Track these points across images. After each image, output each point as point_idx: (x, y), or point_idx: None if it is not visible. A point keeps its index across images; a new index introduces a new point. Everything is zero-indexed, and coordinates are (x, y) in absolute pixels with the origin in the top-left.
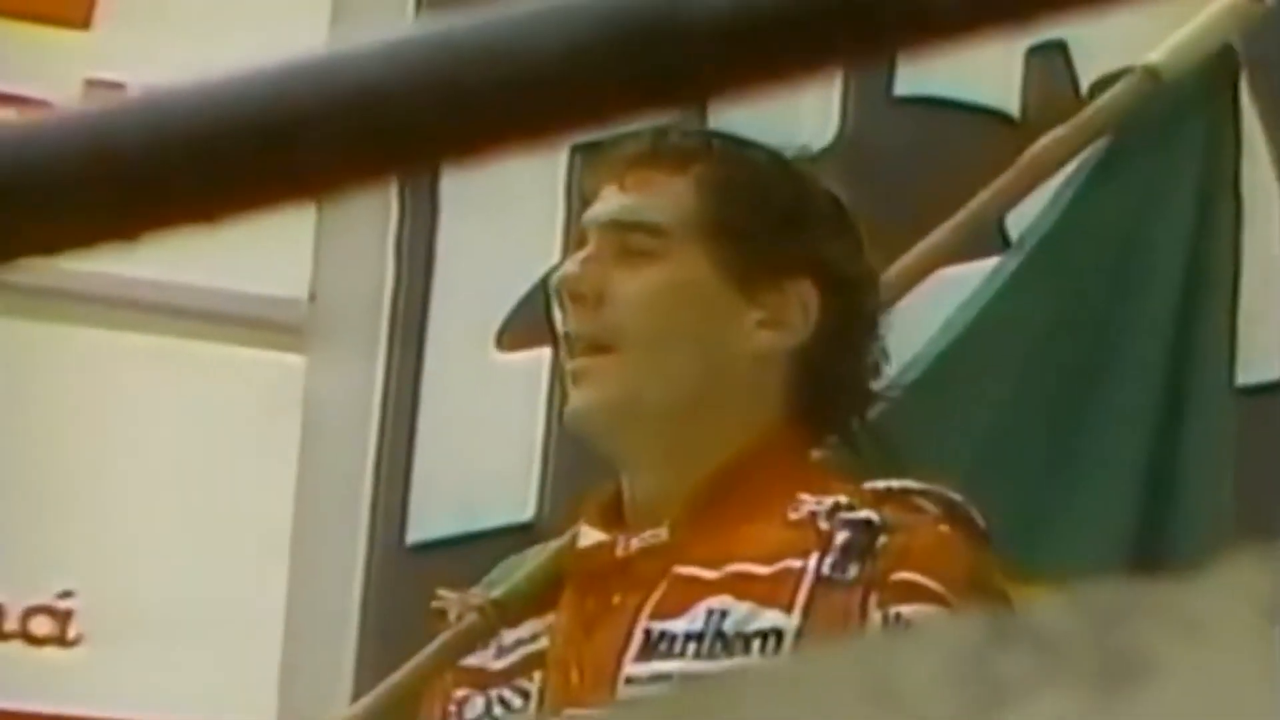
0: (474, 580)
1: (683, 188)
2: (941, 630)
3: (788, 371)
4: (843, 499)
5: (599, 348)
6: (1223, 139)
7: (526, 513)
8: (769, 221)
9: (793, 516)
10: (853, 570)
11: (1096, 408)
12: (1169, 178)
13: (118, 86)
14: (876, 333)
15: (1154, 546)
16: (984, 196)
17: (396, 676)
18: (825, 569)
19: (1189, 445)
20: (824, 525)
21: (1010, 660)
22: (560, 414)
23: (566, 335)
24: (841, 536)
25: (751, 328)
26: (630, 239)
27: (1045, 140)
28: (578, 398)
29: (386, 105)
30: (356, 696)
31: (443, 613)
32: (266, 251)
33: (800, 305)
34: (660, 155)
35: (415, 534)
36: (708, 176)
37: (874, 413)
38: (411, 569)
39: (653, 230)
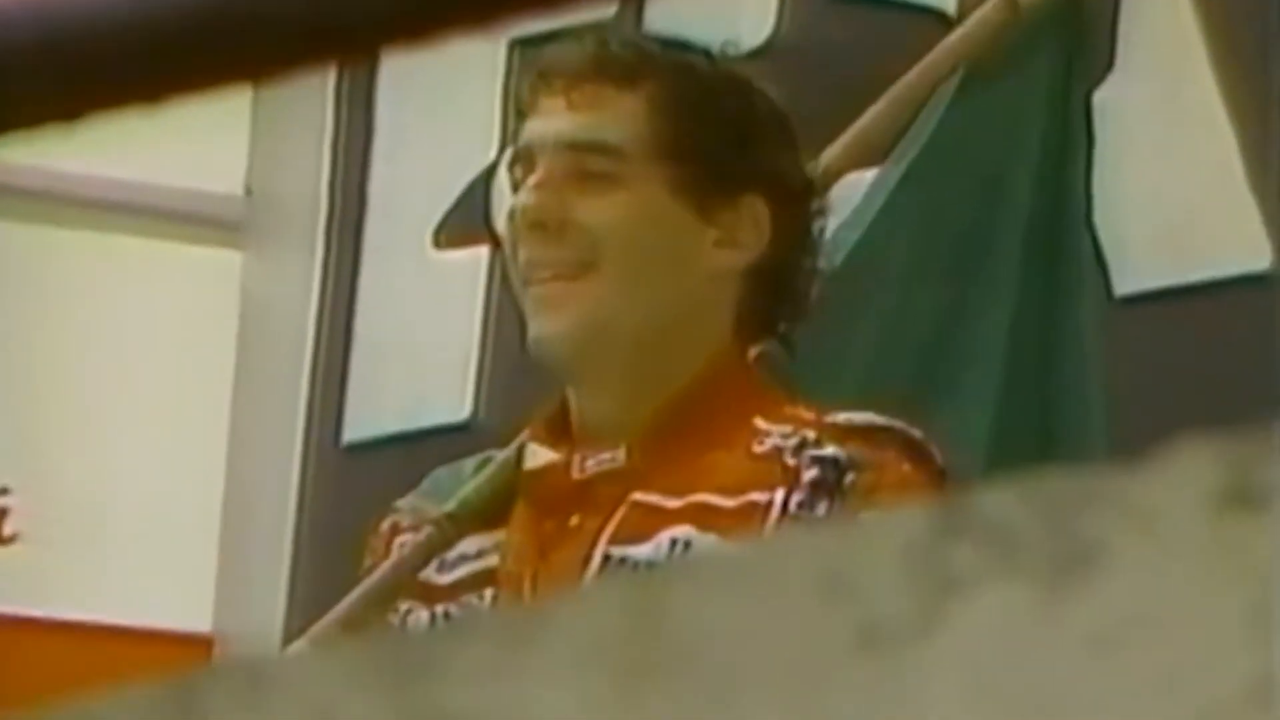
0: (409, 481)
1: (635, 106)
2: (893, 521)
3: (739, 289)
4: (810, 434)
5: (565, 275)
6: (1073, 65)
7: (463, 413)
8: (721, 138)
9: (757, 449)
10: (820, 508)
11: (966, 320)
12: (1022, 101)
13: None
14: (818, 241)
15: (1025, 442)
16: (875, 109)
17: (356, 592)
18: (792, 505)
19: (1055, 350)
20: (790, 461)
21: (961, 551)
22: (492, 312)
23: (527, 263)
24: (810, 474)
25: (709, 248)
26: (585, 161)
27: (917, 67)
28: (545, 325)
29: None
30: (292, 595)
31: (375, 524)
32: (202, 146)
33: (753, 221)
34: (606, 68)
35: (351, 433)
36: (659, 94)
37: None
38: (347, 468)
39: (609, 152)
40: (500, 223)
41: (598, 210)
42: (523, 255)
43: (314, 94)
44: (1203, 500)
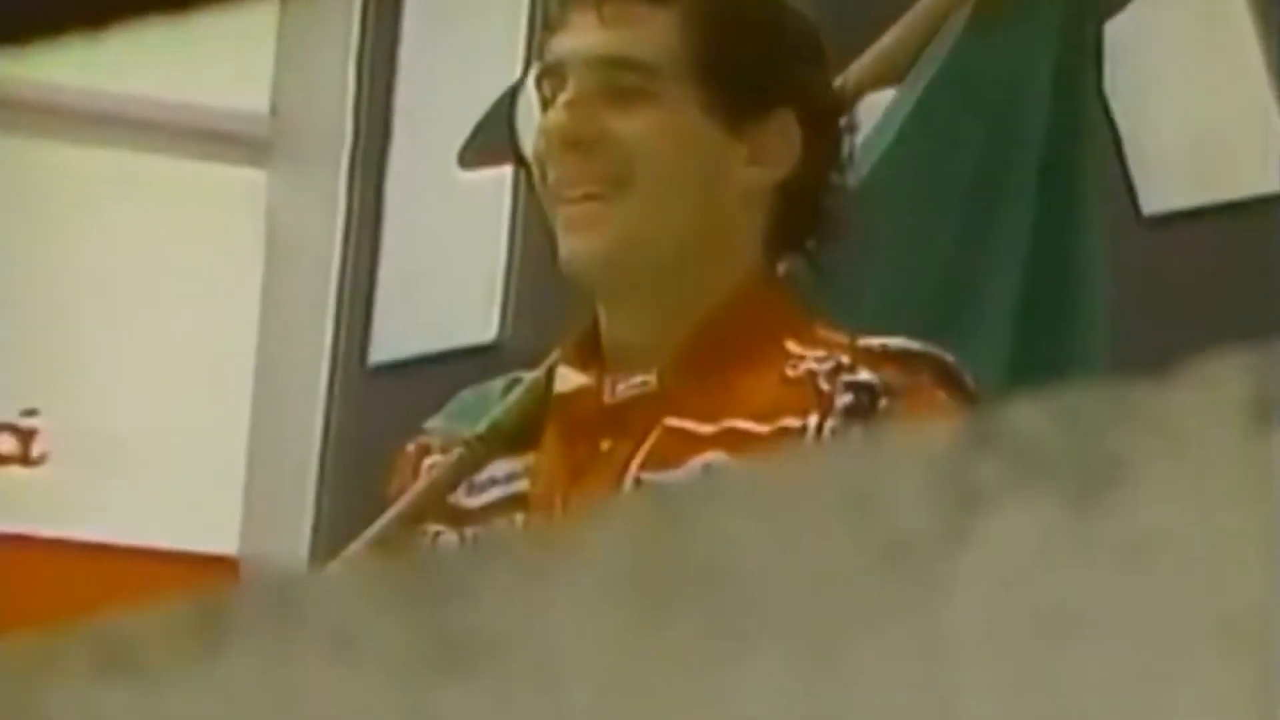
0: (436, 401)
1: (667, 23)
2: (917, 437)
3: (769, 206)
4: (844, 359)
5: (598, 193)
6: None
7: (489, 333)
8: (752, 54)
9: (790, 374)
10: (854, 434)
11: (981, 244)
12: (1033, 29)
13: None
14: (847, 158)
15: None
16: (891, 33)
17: (388, 515)
18: (826, 431)
19: (1071, 274)
20: (825, 386)
21: (986, 466)
22: (518, 232)
23: (559, 181)
24: (844, 399)
25: (740, 165)
26: (618, 78)
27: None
28: (577, 244)
29: None
30: (318, 517)
31: (401, 442)
32: (227, 64)
33: (784, 138)
34: None
35: (378, 354)
36: (691, 11)
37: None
38: (374, 389)
39: (642, 69)
40: (528, 141)
41: (630, 127)
42: (553, 173)
43: (340, 12)
44: (1229, 414)
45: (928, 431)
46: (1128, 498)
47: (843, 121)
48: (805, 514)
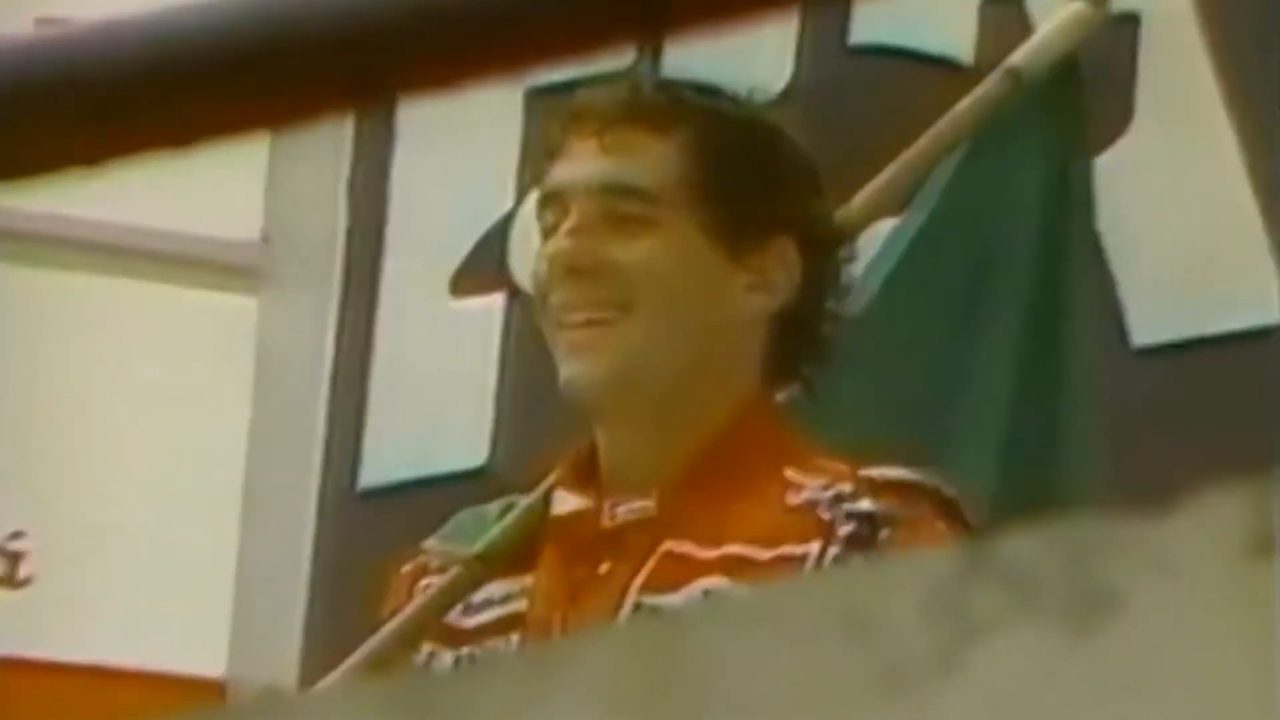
0: (425, 526)
1: (667, 151)
2: (915, 564)
3: (768, 333)
4: (846, 487)
5: (600, 319)
6: (1072, 134)
7: (479, 458)
8: (753, 183)
9: (791, 501)
10: (855, 562)
11: (971, 375)
12: (1024, 168)
13: (65, 24)
14: (844, 285)
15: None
16: (886, 173)
17: (383, 633)
18: (828, 560)
19: (1058, 405)
20: (826, 514)
21: (983, 594)
22: (509, 359)
23: (561, 306)
24: (845, 529)
25: (740, 292)
26: (620, 205)
27: (924, 136)
28: (578, 368)
29: (359, 31)
30: (307, 641)
31: (397, 563)
32: (219, 193)
33: (783, 265)
34: (638, 113)
35: (368, 479)
36: (691, 139)
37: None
38: (363, 514)
39: (643, 196)
40: (520, 268)
41: (632, 254)
42: (555, 299)
43: (331, 141)
44: (1223, 547)
45: (924, 559)
46: (1123, 629)
47: (841, 251)
48: (802, 638)
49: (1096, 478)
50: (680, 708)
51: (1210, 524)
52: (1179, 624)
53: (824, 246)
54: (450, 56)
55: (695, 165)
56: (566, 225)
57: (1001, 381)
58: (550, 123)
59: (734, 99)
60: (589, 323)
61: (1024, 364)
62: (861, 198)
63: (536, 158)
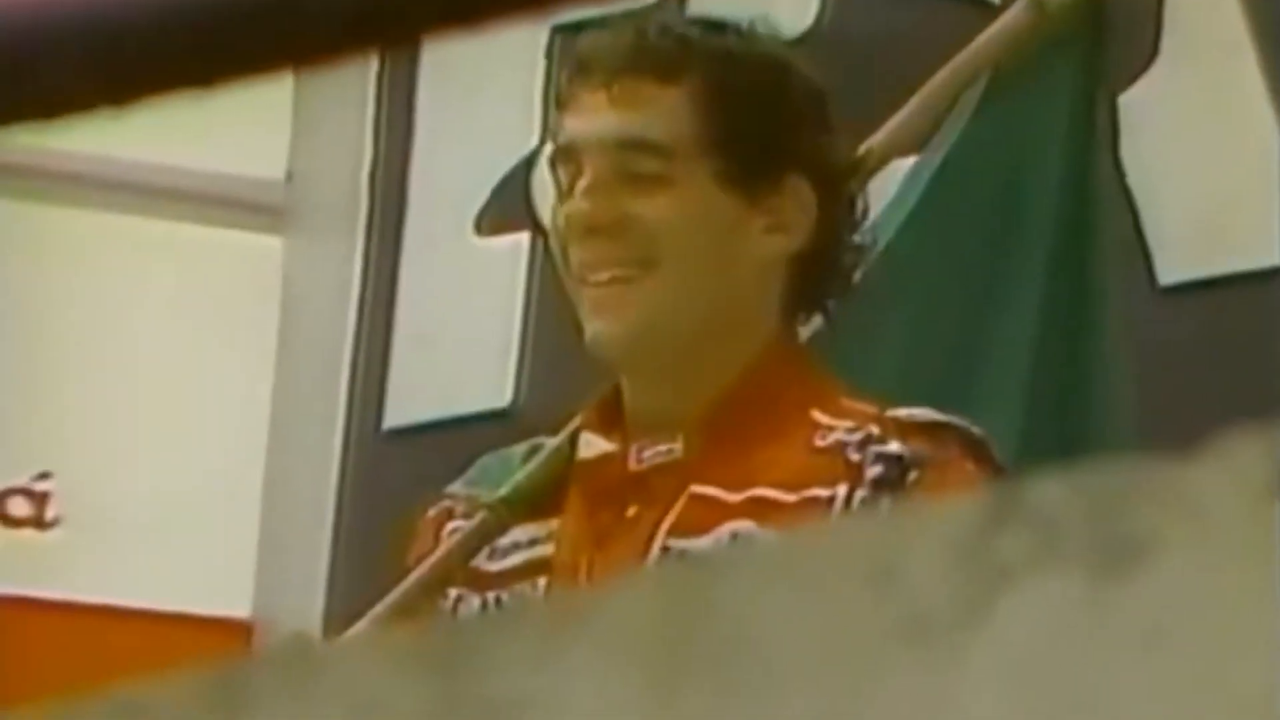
0: (449, 467)
1: (677, 100)
2: (940, 511)
3: (787, 272)
4: (874, 429)
5: (623, 276)
6: (1096, 68)
7: (503, 399)
8: (764, 124)
9: (819, 444)
10: (884, 505)
11: (994, 315)
12: (1046, 103)
13: None
14: (860, 218)
15: (1052, 436)
16: (906, 109)
17: (411, 578)
18: (855, 502)
19: (1083, 345)
20: (854, 456)
21: (1009, 542)
22: (533, 298)
23: (583, 264)
24: (874, 471)
25: (759, 235)
26: (634, 161)
27: (945, 68)
28: (605, 326)
29: None
30: (331, 581)
31: (422, 507)
32: (243, 132)
33: (799, 204)
34: (645, 61)
35: (392, 419)
36: (700, 86)
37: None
38: (388, 454)
39: (657, 150)
40: (544, 208)
41: (651, 209)
42: (576, 257)
43: (356, 80)
44: (1249, 492)
45: (950, 507)
46: (1148, 575)
47: (856, 182)
48: (826, 586)
49: (1123, 418)
50: (704, 657)
51: (1236, 468)
52: (1205, 569)
53: (838, 180)
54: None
55: (706, 114)
56: (582, 184)
57: (1026, 321)
58: (559, 73)
59: (741, 34)
60: (613, 280)
61: (1049, 303)
62: (882, 134)
63: (552, 108)
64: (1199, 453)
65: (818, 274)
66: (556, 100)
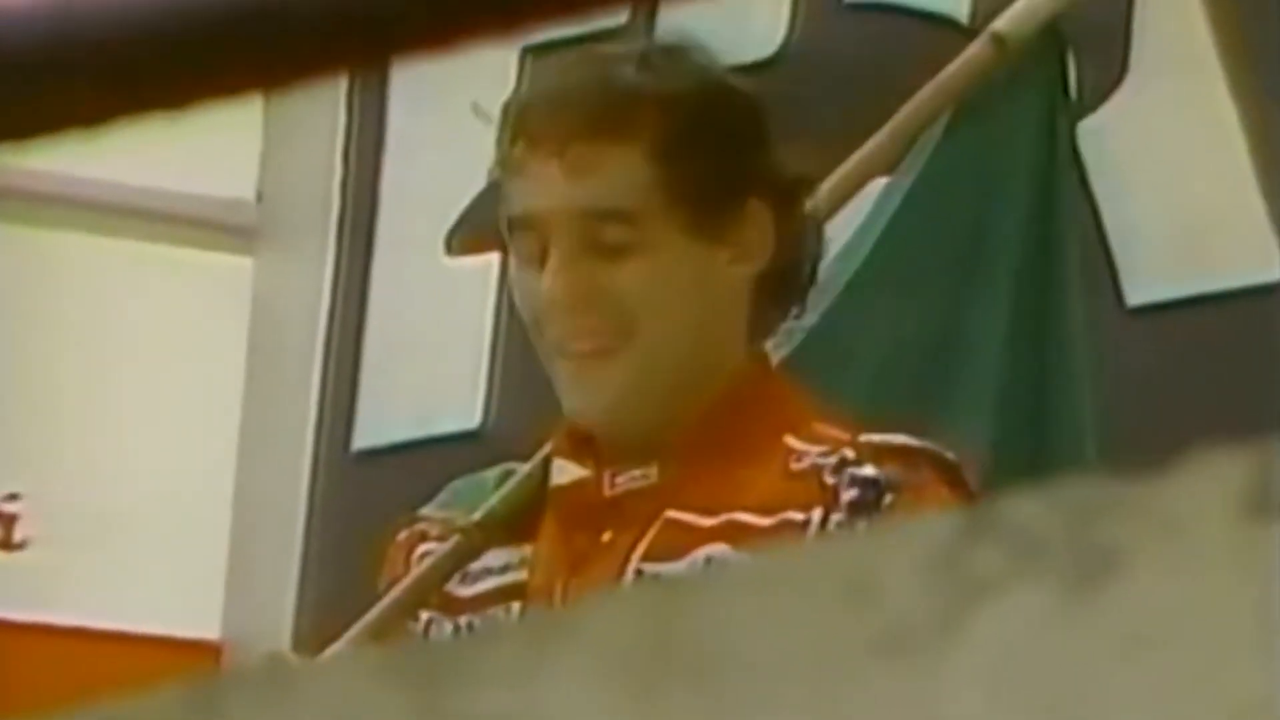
0: (419, 488)
1: (632, 161)
2: (915, 527)
3: (751, 293)
4: (848, 454)
5: (602, 348)
6: (1057, 98)
7: (473, 420)
8: (721, 162)
9: (794, 467)
10: (859, 529)
11: (962, 336)
12: (1010, 133)
13: None
14: (816, 229)
15: (1020, 454)
16: (872, 142)
17: (385, 602)
18: (831, 526)
19: (1049, 366)
20: (829, 480)
21: (984, 556)
22: (504, 318)
23: (560, 338)
24: (849, 494)
25: (725, 268)
26: (600, 230)
27: (909, 103)
28: (588, 399)
29: None
30: (301, 602)
31: (392, 531)
32: (214, 152)
33: (759, 228)
34: (594, 125)
35: (361, 440)
36: (654, 141)
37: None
38: (357, 475)
39: (622, 216)
40: (516, 297)
41: (625, 280)
42: (552, 331)
43: (326, 100)
44: (1224, 507)
45: (924, 522)
46: (1123, 588)
47: (808, 193)
48: (803, 602)
49: (1090, 438)
50: (681, 673)
51: (1211, 484)
52: (1180, 584)
53: (792, 194)
54: (444, 20)
55: (664, 167)
56: (552, 262)
57: (994, 342)
58: (502, 135)
59: (679, 64)
60: (592, 353)
61: (1016, 325)
62: (857, 156)
63: (499, 169)
64: (1173, 467)
65: (780, 290)
66: (502, 164)
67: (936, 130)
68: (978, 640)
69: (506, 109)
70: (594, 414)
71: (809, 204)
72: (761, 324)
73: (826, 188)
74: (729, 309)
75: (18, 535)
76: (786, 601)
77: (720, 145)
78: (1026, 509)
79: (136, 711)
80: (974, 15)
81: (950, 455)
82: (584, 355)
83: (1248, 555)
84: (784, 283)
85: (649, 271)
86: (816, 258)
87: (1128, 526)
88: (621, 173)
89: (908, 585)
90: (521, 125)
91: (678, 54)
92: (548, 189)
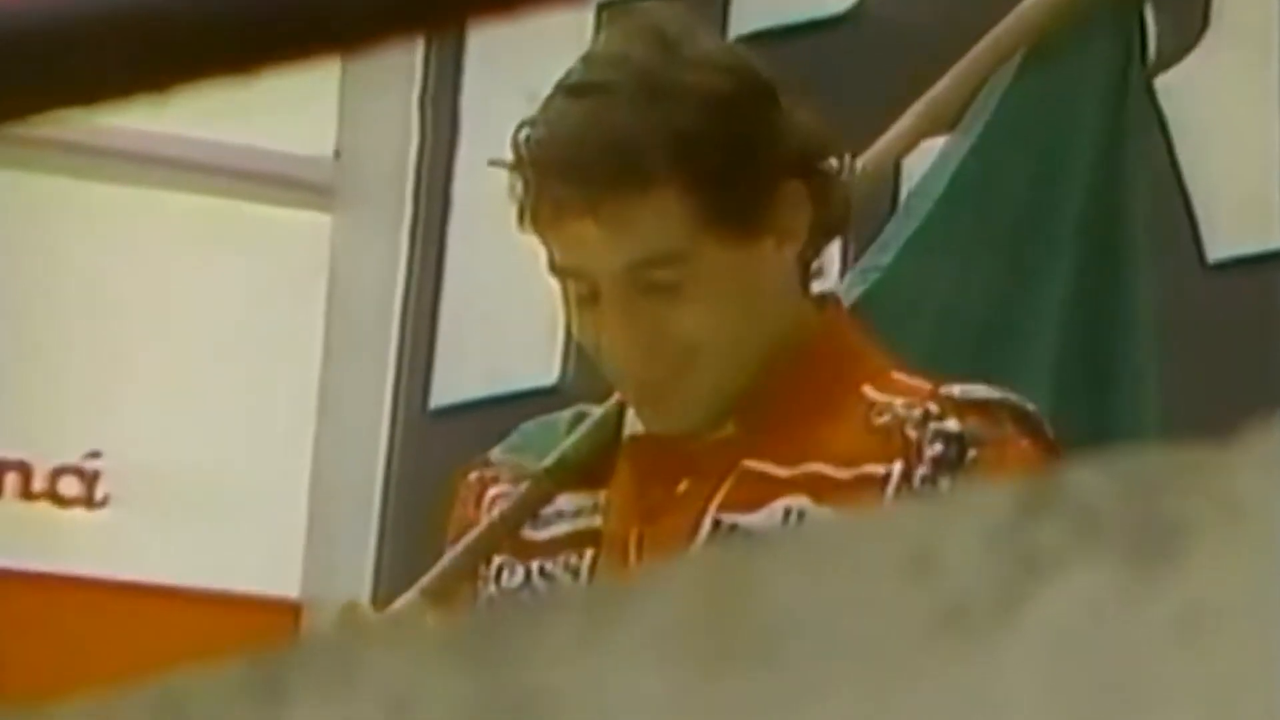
0: (497, 445)
1: (666, 204)
2: (978, 499)
3: (798, 257)
4: (931, 407)
5: (670, 378)
6: (1132, 46)
7: (550, 377)
8: (747, 168)
9: (876, 420)
10: (943, 484)
11: (1024, 292)
12: (1081, 81)
13: None
14: (847, 178)
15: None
16: (942, 83)
17: (459, 547)
18: (915, 480)
19: (1113, 324)
20: (912, 433)
21: (1046, 530)
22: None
23: (623, 373)
24: (933, 449)
25: (772, 254)
26: (648, 275)
27: (981, 43)
28: (661, 421)
29: None
30: (379, 561)
31: (464, 473)
32: (291, 109)
33: (795, 206)
34: (619, 176)
35: (439, 398)
36: (682, 176)
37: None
38: (435, 433)
39: (668, 260)
40: (574, 328)
41: (681, 319)
42: (616, 368)
43: (403, 59)
44: None
45: (987, 494)
46: (1186, 564)
47: (834, 151)
48: (865, 574)
49: (1159, 400)
50: (739, 651)
51: (1272, 455)
52: (1241, 556)
53: (819, 159)
54: None
55: (693, 198)
56: (607, 313)
57: (1057, 298)
58: (522, 189)
59: (682, 73)
60: (659, 383)
61: (1080, 281)
62: (914, 111)
63: (529, 226)
64: (1235, 439)
65: (824, 239)
66: (533, 217)
67: (1004, 80)
68: (1037, 619)
69: (519, 157)
70: (664, 430)
71: (866, 152)
72: (814, 267)
73: (896, 131)
74: (783, 284)
75: (99, 493)
76: (847, 575)
77: (741, 150)
78: (1087, 481)
79: (202, 686)
80: None
81: (1030, 407)
82: (651, 384)
83: None
84: (828, 232)
85: (704, 304)
86: (847, 183)
87: (1189, 499)
88: (657, 221)
89: (969, 560)
90: (544, 186)
91: (675, 55)
92: (588, 247)
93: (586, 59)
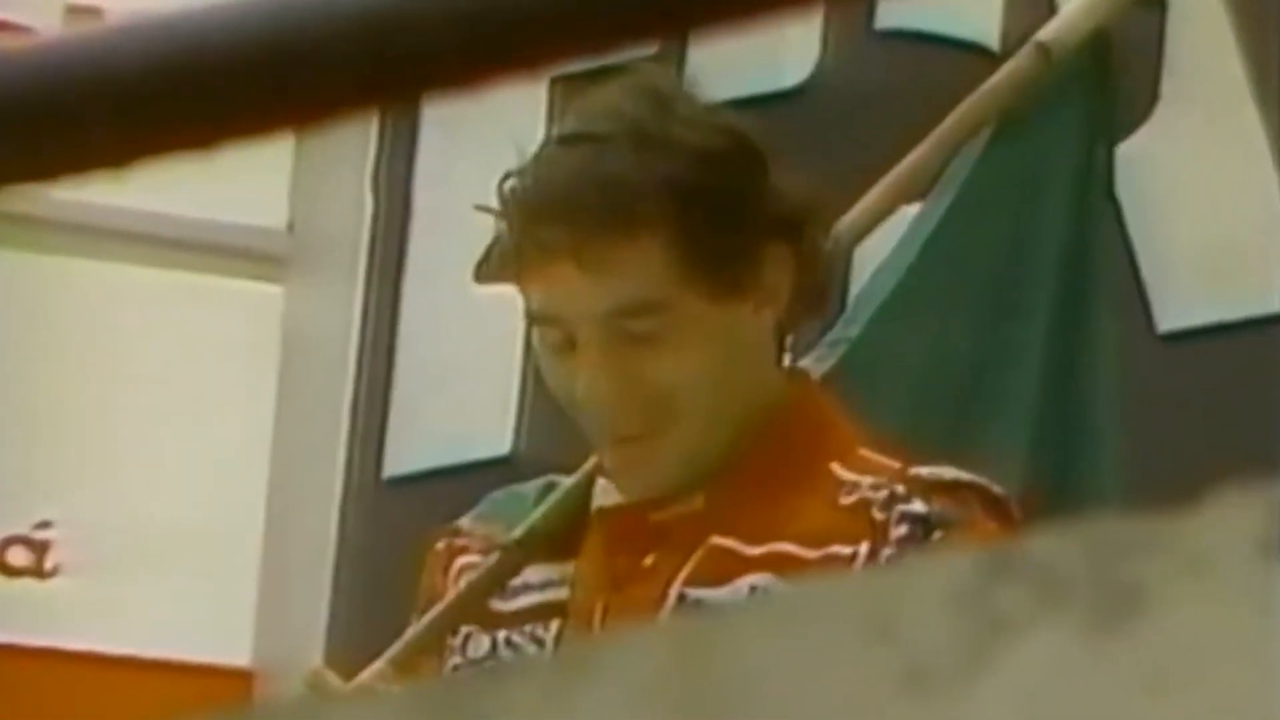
0: (450, 515)
1: (650, 250)
2: (940, 564)
3: (776, 324)
4: (898, 488)
5: (648, 435)
6: (1103, 112)
7: (504, 446)
8: (731, 224)
9: (843, 500)
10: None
11: (998, 360)
12: (1051, 149)
13: (97, 13)
14: (830, 243)
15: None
16: (914, 155)
17: (428, 617)
18: (880, 560)
19: (1081, 391)
20: (879, 515)
21: (1008, 594)
22: (534, 347)
23: (602, 430)
24: (899, 530)
25: (750, 317)
26: (628, 324)
27: (952, 114)
28: (639, 480)
29: (386, 32)
30: (332, 629)
31: (431, 542)
32: (245, 181)
33: (777, 268)
34: (603, 219)
35: (392, 467)
36: (667, 224)
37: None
38: (388, 502)
39: (648, 308)
40: (546, 379)
41: (661, 371)
42: (594, 422)
43: (357, 129)
44: (1250, 546)
45: (950, 559)
46: (1148, 627)
47: (817, 217)
48: (829, 640)
49: (1120, 467)
50: (704, 710)
51: (1236, 522)
52: (1206, 623)
53: (804, 222)
54: (474, 59)
55: (677, 249)
56: (584, 361)
57: (1029, 369)
58: (506, 233)
59: (672, 128)
60: (638, 439)
61: (1050, 352)
62: (887, 181)
63: (508, 263)
64: (1199, 505)
65: (804, 309)
66: (514, 262)
67: (977, 146)
68: (1002, 679)
69: (506, 204)
70: (648, 493)
71: (836, 225)
72: (788, 340)
73: (865, 204)
74: (760, 348)
75: (49, 563)
76: (811, 639)
77: (729, 207)
78: (1051, 546)
79: None
80: (1005, 42)
81: (997, 490)
82: (629, 441)
83: (1273, 592)
84: (807, 304)
85: (682, 354)
86: (831, 268)
87: (1152, 564)
88: (639, 268)
89: (932, 623)
90: (528, 230)
91: (668, 111)
92: (568, 292)
93: (579, 112)
